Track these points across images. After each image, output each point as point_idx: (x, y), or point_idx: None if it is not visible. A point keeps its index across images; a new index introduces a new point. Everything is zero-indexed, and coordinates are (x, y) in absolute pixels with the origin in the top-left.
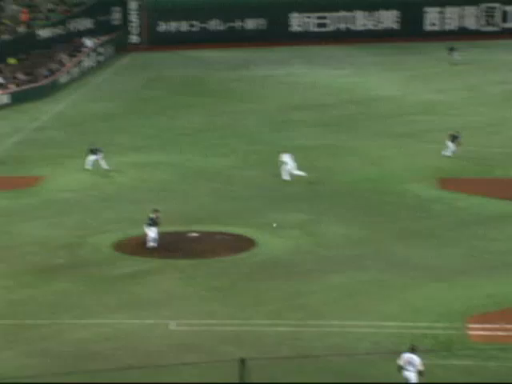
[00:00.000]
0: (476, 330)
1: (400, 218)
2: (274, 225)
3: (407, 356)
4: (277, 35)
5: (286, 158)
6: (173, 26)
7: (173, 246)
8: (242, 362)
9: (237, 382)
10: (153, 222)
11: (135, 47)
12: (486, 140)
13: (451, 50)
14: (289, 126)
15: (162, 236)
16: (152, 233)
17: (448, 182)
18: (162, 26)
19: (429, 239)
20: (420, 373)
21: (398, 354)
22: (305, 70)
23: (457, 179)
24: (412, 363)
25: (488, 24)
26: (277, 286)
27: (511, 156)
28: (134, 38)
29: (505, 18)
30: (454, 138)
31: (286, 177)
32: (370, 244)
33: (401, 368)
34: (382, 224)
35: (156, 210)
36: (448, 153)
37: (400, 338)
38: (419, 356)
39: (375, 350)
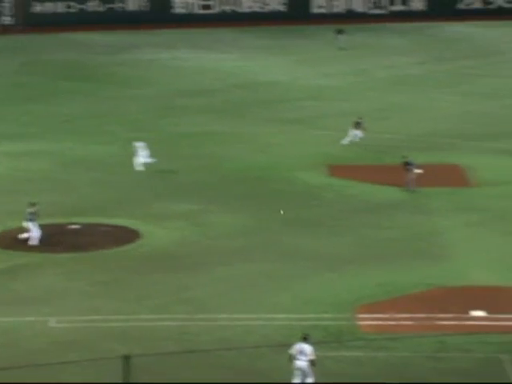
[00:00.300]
0: (366, 320)
1: (289, 206)
2: (282, 212)
3: (299, 345)
4: (160, 17)
5: (139, 146)
6: (49, 6)
7: (53, 240)
8: (126, 358)
9: (120, 379)
10: (33, 217)
11: (8, 29)
12: (375, 126)
13: (339, 33)
14: (174, 113)
15: (40, 229)
16: (35, 231)
17: (338, 170)
18: (37, 7)
19: (319, 228)
20: (312, 362)
21: (288, 346)
22: (190, 54)
23: (347, 166)
24: (303, 352)
25: (375, 7)
26: (163, 279)
27: (400, 142)
28: (7, 20)
29: (392, 1)
30: (357, 125)
31: (138, 167)
32: (259, 234)
33: (292, 357)
34: (271, 213)
35: (33, 204)
36: (345, 141)
37: (290, 330)
38: (311, 345)
39: (265, 343)
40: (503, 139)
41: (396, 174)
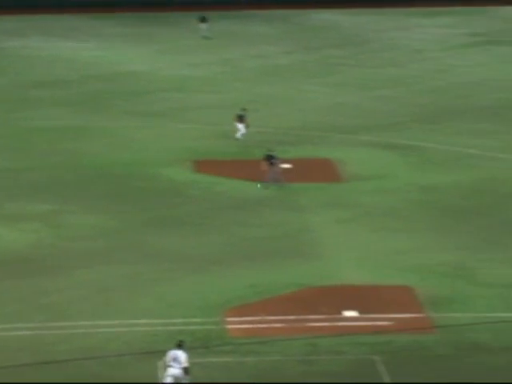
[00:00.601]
0: (235, 324)
1: (154, 204)
2: (258, 185)
3: (173, 352)
4: (8, 2)
5: None
6: None
7: None
8: None
9: None
10: None
11: None
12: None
13: (201, 21)
14: (27, 106)
15: None
16: None
17: (204, 165)
18: None
19: (185, 227)
20: (185, 370)
21: (152, 353)
22: (43, 43)
23: (213, 161)
24: (177, 360)
25: None
26: (16, 285)
27: (270, 135)
28: None
29: None
30: (240, 118)
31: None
32: (122, 234)
33: (166, 365)
34: (134, 212)
35: None
36: (239, 135)
37: (154, 337)
38: (186, 352)
39: (127, 351)
40: (375, 132)
41: (265, 168)
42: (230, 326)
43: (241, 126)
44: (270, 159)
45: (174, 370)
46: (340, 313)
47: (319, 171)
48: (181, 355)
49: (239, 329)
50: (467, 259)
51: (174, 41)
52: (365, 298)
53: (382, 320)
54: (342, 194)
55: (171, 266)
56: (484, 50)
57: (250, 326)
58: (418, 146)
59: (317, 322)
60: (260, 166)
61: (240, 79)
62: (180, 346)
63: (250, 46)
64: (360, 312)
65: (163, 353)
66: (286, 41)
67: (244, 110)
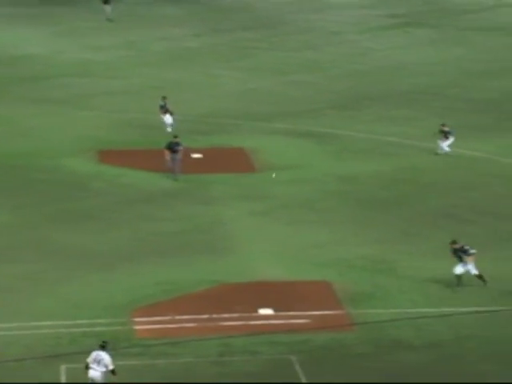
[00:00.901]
0: (143, 324)
1: (55, 198)
2: (273, 175)
3: (96, 353)
4: None
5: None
6: None
7: None
8: None
9: None
10: None
11: None
12: (151, 105)
13: (105, 2)
14: None
15: None
16: None
17: (109, 155)
18: None
19: (89, 222)
20: (112, 372)
21: (56, 357)
22: None
23: (118, 151)
24: (100, 362)
25: None
26: None
27: (178, 124)
28: None
29: None
30: (163, 109)
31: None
32: (21, 231)
33: (87, 367)
34: (33, 207)
35: None
36: (169, 129)
37: (57, 339)
38: (109, 353)
39: (28, 355)
40: (290, 119)
41: (180, 160)
42: (138, 327)
43: (167, 117)
44: (173, 147)
45: (95, 373)
46: (255, 311)
47: (232, 161)
48: (104, 357)
49: (148, 329)
50: (387, 252)
51: (74, 22)
52: (281, 294)
53: (299, 318)
54: (255, 185)
55: (75, 263)
56: (403, 32)
57: (160, 326)
58: (336, 134)
59: (231, 320)
60: (163, 154)
61: (146, 64)
62: (103, 347)
63: (156, 28)
64: (276, 310)
65: (67, 356)
66: (194, 22)
67: (164, 98)
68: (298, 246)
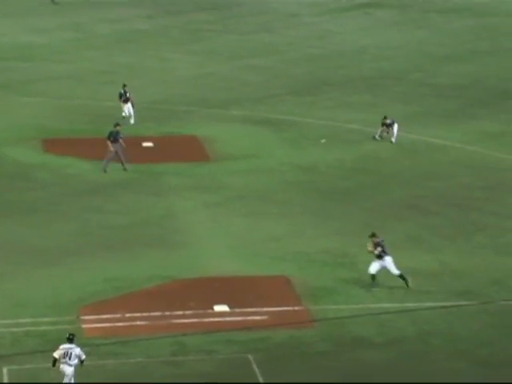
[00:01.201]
0: (91, 323)
1: None
2: (323, 140)
3: (65, 347)
4: None
5: None
6: None
7: None
8: None
9: None
10: None
11: None
12: (97, 91)
13: None
14: None
15: None
16: None
17: (55, 144)
18: None
19: (33, 215)
20: (82, 362)
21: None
22: None
23: (65, 140)
24: (71, 355)
25: None
26: None
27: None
28: None
29: None
30: (122, 96)
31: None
32: None
33: (56, 361)
34: None
35: None
36: (132, 120)
37: None
38: (78, 345)
39: None
40: (246, 106)
41: (125, 148)
42: (85, 326)
43: (127, 107)
44: (114, 137)
45: (68, 368)
46: (210, 308)
47: (185, 150)
48: (75, 349)
49: (97, 328)
50: (348, 245)
51: (16, 3)
52: (237, 290)
53: (257, 314)
54: (210, 176)
55: (18, 258)
56: (364, 13)
57: (109, 324)
58: (294, 121)
59: (184, 318)
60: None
61: (93, 47)
62: (71, 339)
63: (105, 9)
64: (232, 306)
65: (9, 357)
66: (145, 3)
67: (124, 86)
68: (254, 239)
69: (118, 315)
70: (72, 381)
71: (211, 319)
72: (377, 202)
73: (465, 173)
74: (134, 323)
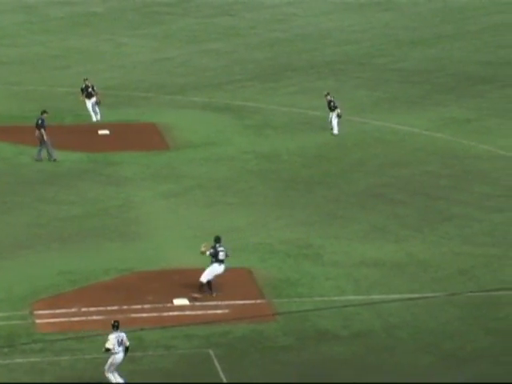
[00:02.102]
0: (46, 318)
1: None
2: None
3: (116, 335)
4: None
5: None
6: None
7: None
8: None
9: None
10: None
11: None
12: (50, 77)
13: None
14: None
15: None
16: None
17: (6, 132)
18: None
19: None
20: (127, 349)
21: None
22: None
23: (15, 127)
24: (121, 341)
25: None
26: None
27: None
28: None
29: None
30: (84, 90)
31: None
32: None
33: (112, 353)
34: None
35: None
36: (96, 118)
37: None
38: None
39: None
40: (206, 92)
41: (79, 136)
42: (39, 321)
43: (90, 103)
44: (40, 124)
45: (121, 356)
46: (169, 301)
47: (142, 138)
48: (123, 336)
49: (51, 323)
50: (312, 236)
51: None
52: (197, 283)
53: (217, 308)
54: (169, 164)
55: None
56: None
57: (64, 319)
58: (256, 108)
59: (142, 312)
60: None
61: (45, 30)
62: (117, 326)
63: None
64: (192, 300)
65: None
66: None
67: (85, 80)
68: (215, 230)
69: (74, 310)
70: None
71: (170, 313)
72: (341, 191)
73: (431, 160)
74: (90, 318)
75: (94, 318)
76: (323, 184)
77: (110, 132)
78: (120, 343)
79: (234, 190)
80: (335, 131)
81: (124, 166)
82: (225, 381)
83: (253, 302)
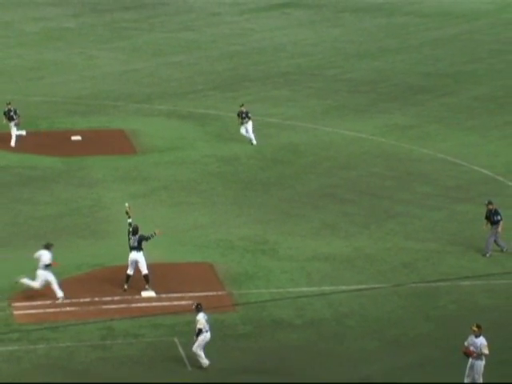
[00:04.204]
0: (22, 309)
1: None
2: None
3: (201, 316)
4: None
5: None
6: None
7: None
8: None
9: None
10: None
11: None
12: (26, 87)
13: None
14: None
15: None
16: None
17: None
18: None
19: None
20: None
21: None
22: None
23: None
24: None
25: None
26: None
27: (57, 105)
28: None
29: None
30: (8, 116)
31: None
32: None
33: (205, 331)
34: None
35: None
36: (13, 143)
37: None
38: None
39: None
40: (171, 100)
41: (52, 141)
42: (16, 312)
43: (12, 127)
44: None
45: (209, 334)
46: (137, 294)
47: (112, 143)
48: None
49: (27, 314)
50: (268, 233)
51: None
52: (163, 276)
53: (182, 299)
54: (136, 167)
55: None
56: (282, 13)
57: (39, 310)
58: (217, 115)
59: (112, 304)
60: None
61: (21, 44)
62: (200, 308)
63: (32, 7)
64: (158, 292)
65: None
66: (71, 2)
67: (8, 104)
68: (179, 227)
69: (49, 302)
70: None
71: (138, 304)
72: (295, 191)
73: (377, 163)
74: (64, 309)
75: (68, 309)
76: (278, 185)
77: (82, 138)
78: (208, 323)
79: (196, 190)
80: (254, 141)
81: (95, 169)
82: (189, 366)
83: (214, 293)
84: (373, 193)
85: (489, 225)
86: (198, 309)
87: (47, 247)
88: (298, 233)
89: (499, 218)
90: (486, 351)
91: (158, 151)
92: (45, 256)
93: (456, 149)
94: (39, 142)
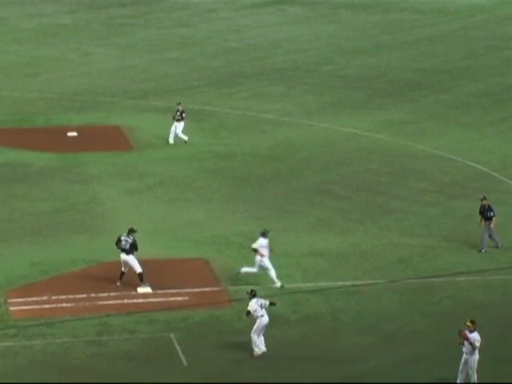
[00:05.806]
0: (18, 305)
1: None
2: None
3: (255, 301)
4: None
5: None
6: None
7: None
8: None
9: None
10: None
11: None
12: (22, 83)
13: None
14: None
15: None
16: None
17: None
18: None
19: None
20: (272, 304)
21: None
22: None
23: None
24: (262, 305)
25: None
26: None
27: (52, 101)
28: None
29: None
30: None
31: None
32: None
33: (257, 316)
34: None
35: None
36: None
37: None
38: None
39: None
40: (166, 97)
41: (48, 137)
42: (13, 308)
43: None
44: None
45: (267, 318)
46: (133, 289)
47: (108, 139)
48: (263, 301)
49: (23, 310)
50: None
51: None
52: (159, 272)
53: (178, 295)
54: (132, 164)
55: None
56: (277, 10)
57: (36, 306)
58: (212, 112)
59: (108, 300)
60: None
61: (17, 40)
62: (255, 294)
63: (28, 4)
64: (154, 288)
65: None
66: None
67: None
68: (175, 223)
69: (45, 298)
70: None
71: (134, 300)
72: (291, 187)
73: (372, 159)
74: (60, 305)
75: (64, 305)
76: (274, 181)
77: (78, 134)
78: (262, 307)
79: (192, 187)
80: (171, 140)
81: (91, 165)
82: (185, 362)
83: (210, 289)
84: (368, 189)
85: (483, 220)
86: (252, 295)
87: (263, 234)
88: (293, 229)
89: (492, 214)
90: (477, 344)
91: (153, 147)
92: (260, 243)
93: (451, 145)
94: (35, 138)
